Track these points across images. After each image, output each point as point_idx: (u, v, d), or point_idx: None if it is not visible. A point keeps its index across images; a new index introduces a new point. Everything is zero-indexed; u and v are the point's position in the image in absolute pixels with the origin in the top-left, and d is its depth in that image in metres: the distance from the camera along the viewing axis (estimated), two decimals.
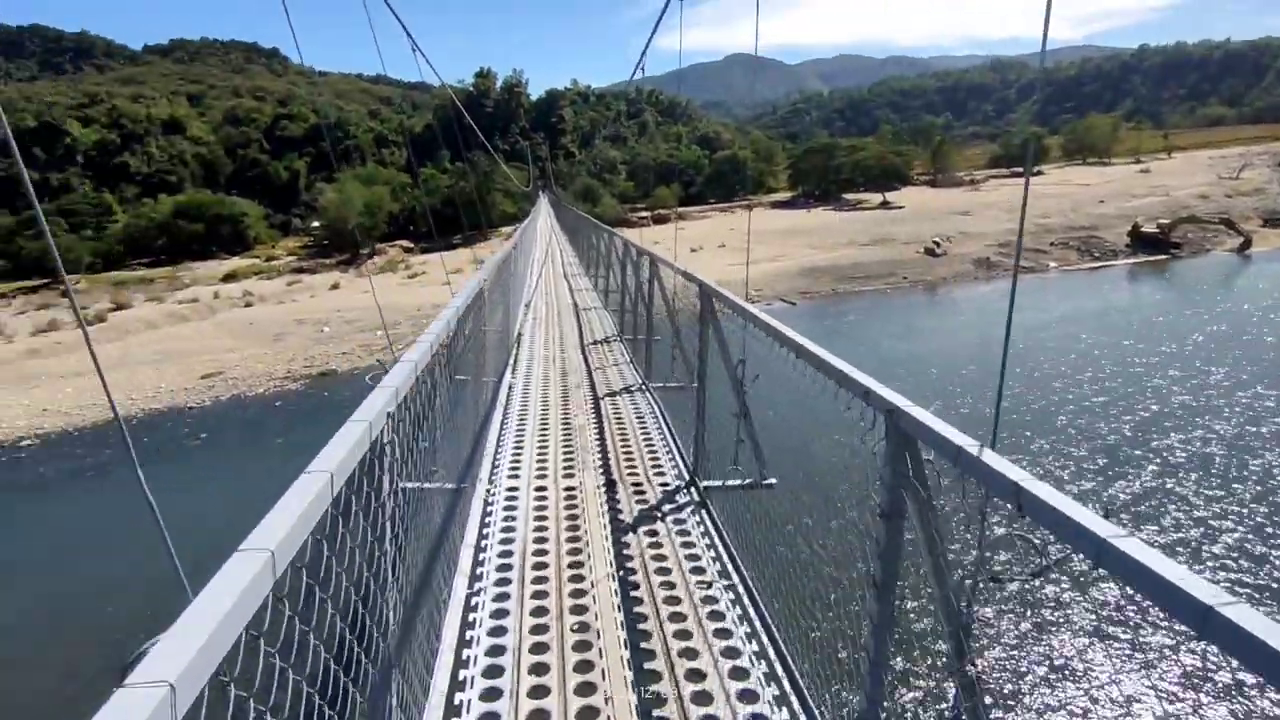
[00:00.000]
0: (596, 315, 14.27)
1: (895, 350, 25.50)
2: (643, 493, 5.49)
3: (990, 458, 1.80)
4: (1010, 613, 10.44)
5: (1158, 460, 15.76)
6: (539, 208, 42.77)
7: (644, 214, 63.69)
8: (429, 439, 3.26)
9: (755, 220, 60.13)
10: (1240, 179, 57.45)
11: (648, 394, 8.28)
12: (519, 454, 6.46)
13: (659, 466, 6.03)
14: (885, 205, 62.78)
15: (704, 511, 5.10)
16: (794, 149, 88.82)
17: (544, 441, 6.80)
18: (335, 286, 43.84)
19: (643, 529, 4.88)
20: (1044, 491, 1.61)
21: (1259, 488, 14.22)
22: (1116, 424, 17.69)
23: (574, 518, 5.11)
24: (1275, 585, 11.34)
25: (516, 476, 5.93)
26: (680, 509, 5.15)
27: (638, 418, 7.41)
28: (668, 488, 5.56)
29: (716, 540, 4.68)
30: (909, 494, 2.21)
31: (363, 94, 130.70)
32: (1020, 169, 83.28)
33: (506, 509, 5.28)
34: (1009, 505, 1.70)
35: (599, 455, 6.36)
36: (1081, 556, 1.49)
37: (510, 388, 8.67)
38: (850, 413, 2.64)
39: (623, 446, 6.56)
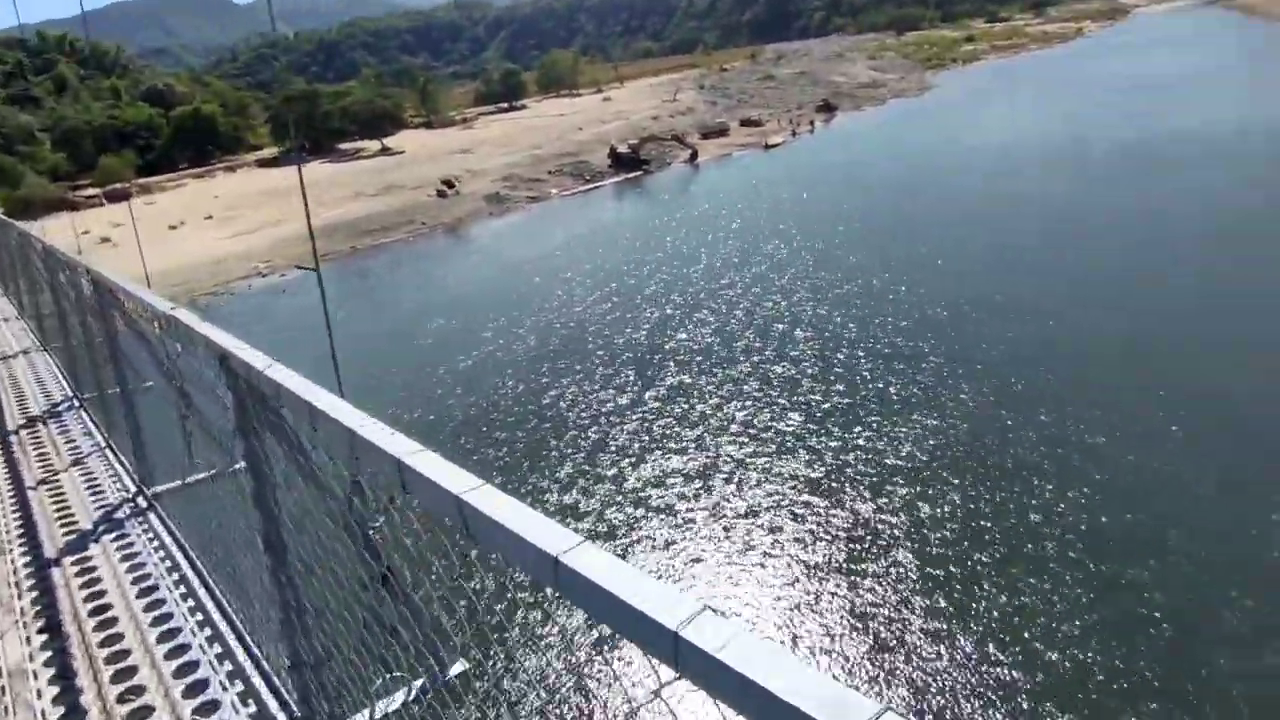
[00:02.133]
0: (8, 327, 10.95)
1: (426, 302, 24.54)
2: (71, 520, 4.71)
3: (327, 403, 1.70)
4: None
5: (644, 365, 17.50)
6: None
7: (91, 192, 51.37)
8: None
9: (245, 181, 52.96)
10: (677, 101, 68.34)
11: (81, 411, 6.92)
12: None
13: (96, 486, 5.22)
14: (386, 152, 60.50)
15: (153, 516, 4.59)
16: (270, 99, 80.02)
17: None
18: None
19: (70, 559, 4.22)
20: (376, 435, 1.47)
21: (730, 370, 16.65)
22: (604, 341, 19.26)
23: None
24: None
25: None
26: (123, 523, 4.59)
27: (67, 441, 6.21)
28: (107, 506, 4.87)
29: (174, 548, 4.20)
30: (255, 440, 2.17)
31: None
32: (505, 104, 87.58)
33: None
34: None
35: (13, 496, 5.23)
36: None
37: None
38: None
39: (47, 480, 5.46)
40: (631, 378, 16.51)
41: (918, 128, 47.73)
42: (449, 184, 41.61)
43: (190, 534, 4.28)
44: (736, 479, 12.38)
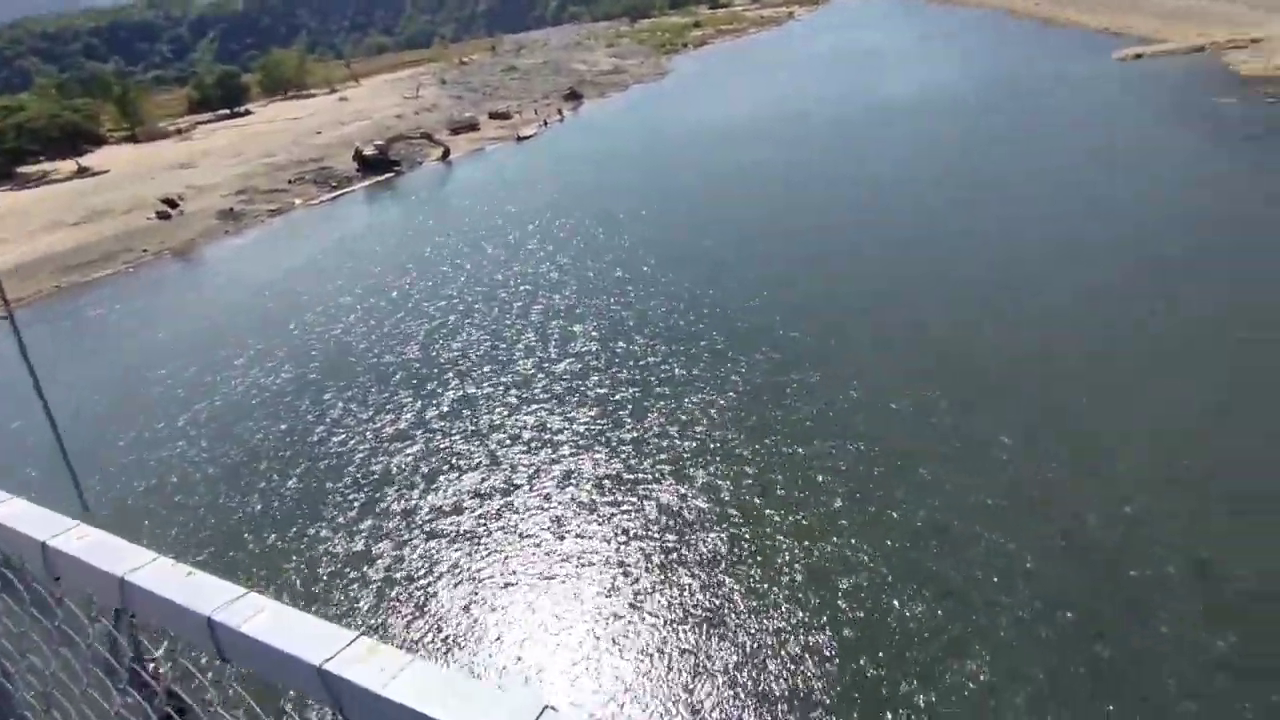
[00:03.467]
0: None
1: (157, 340, 21.71)
2: None
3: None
4: None
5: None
6: None
7: None
8: None
9: None
10: (420, 97, 65.85)
11: None
12: None
13: None
14: (83, 172, 52.44)
15: None
16: None
17: None
18: None
19: None
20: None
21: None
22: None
23: None
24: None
25: None
26: None
27: None
28: None
29: None
30: None
31: None
32: (226, 110, 79.42)
33: None
34: None
35: None
36: None
37: None
38: None
39: None
40: (408, 397, 15.70)
41: (662, 109, 49.94)
42: (171, 203, 36.95)
43: None
44: (536, 489, 12.23)
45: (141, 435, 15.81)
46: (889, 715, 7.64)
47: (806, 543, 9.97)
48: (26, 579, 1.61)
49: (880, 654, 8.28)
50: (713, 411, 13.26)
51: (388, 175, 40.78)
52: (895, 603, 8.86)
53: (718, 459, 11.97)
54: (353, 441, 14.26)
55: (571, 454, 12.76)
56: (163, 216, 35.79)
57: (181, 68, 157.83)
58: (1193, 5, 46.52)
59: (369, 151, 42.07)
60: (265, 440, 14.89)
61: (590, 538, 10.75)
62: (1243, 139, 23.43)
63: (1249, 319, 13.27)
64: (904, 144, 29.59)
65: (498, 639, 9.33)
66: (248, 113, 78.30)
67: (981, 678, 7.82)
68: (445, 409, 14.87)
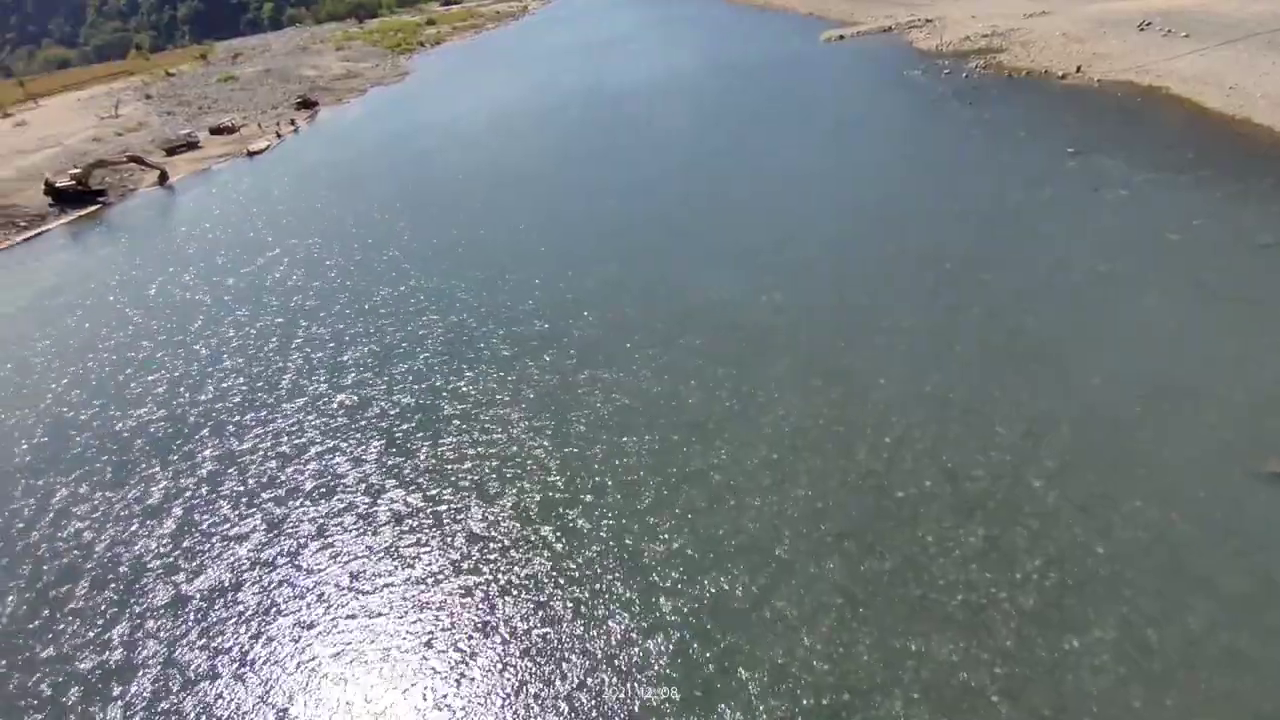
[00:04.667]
0: None
1: None
2: None
3: None
4: None
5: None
6: None
7: None
8: None
9: None
10: (121, 116, 58.07)
11: None
12: None
13: None
14: None
15: None
16: None
17: None
18: None
19: None
20: None
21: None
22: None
23: None
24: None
25: None
26: None
27: None
28: None
29: None
30: None
31: None
32: None
33: None
34: None
35: None
36: None
37: None
38: None
39: None
40: (152, 467, 13.96)
41: (407, 112, 48.07)
42: None
43: None
44: (326, 544, 11.41)
45: None
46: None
47: (625, 542, 10.20)
48: None
49: (696, 631, 8.69)
50: (509, 421, 13.10)
51: (92, 207, 35.62)
52: (710, 572, 9.34)
53: (519, 470, 11.86)
54: (87, 533, 12.37)
55: (363, 495, 12.01)
56: None
57: None
58: None
59: (63, 182, 36.46)
60: None
61: (396, 586, 10.23)
62: (927, 101, 27.23)
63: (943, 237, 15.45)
64: (650, 126, 31.05)
65: None
66: None
67: (795, 604, 8.48)
68: (204, 473, 13.32)
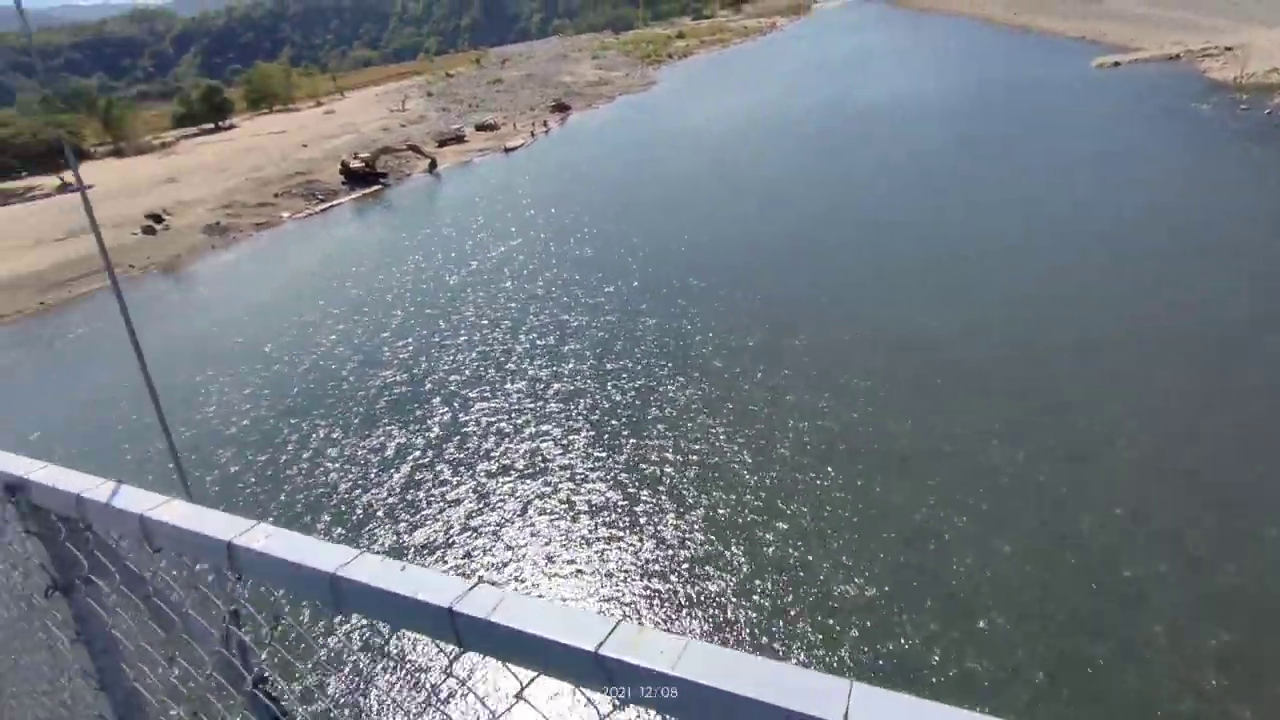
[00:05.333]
0: None
1: (151, 353, 21.43)
2: None
3: (122, 498, 1.49)
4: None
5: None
6: None
7: None
8: None
9: None
10: (407, 110, 65.80)
11: None
12: None
13: None
14: (66, 188, 52.05)
15: None
16: None
17: None
18: None
19: None
20: (168, 514, 1.35)
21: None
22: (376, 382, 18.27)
23: None
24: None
25: None
26: None
27: None
28: None
29: None
30: (75, 564, 1.78)
31: None
32: (211, 125, 79.16)
33: None
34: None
35: None
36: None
37: None
38: None
39: None
40: (393, 424, 15.58)
41: (650, 119, 50.07)
42: (157, 218, 36.70)
43: None
44: (532, 516, 12.15)
45: (120, 460, 15.61)
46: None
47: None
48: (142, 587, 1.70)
49: (883, 663, 8.24)
50: (712, 432, 13.23)
51: (375, 188, 40.67)
52: (898, 612, 8.83)
53: (716, 483, 11.93)
54: (337, 473, 14.10)
55: (566, 480, 12.68)
56: (148, 232, 35.53)
57: (165, 82, 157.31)
58: (1163, 14, 47.27)
59: (355, 164, 41.96)
60: (244, 470, 14.73)
61: (585, 575, 10.68)
62: (1223, 140, 23.80)
63: (1228, 302, 13.38)
64: (895, 148, 29.79)
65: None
66: (232, 127, 78.05)
67: (980, 672, 7.79)
68: (431, 435, 14.71)
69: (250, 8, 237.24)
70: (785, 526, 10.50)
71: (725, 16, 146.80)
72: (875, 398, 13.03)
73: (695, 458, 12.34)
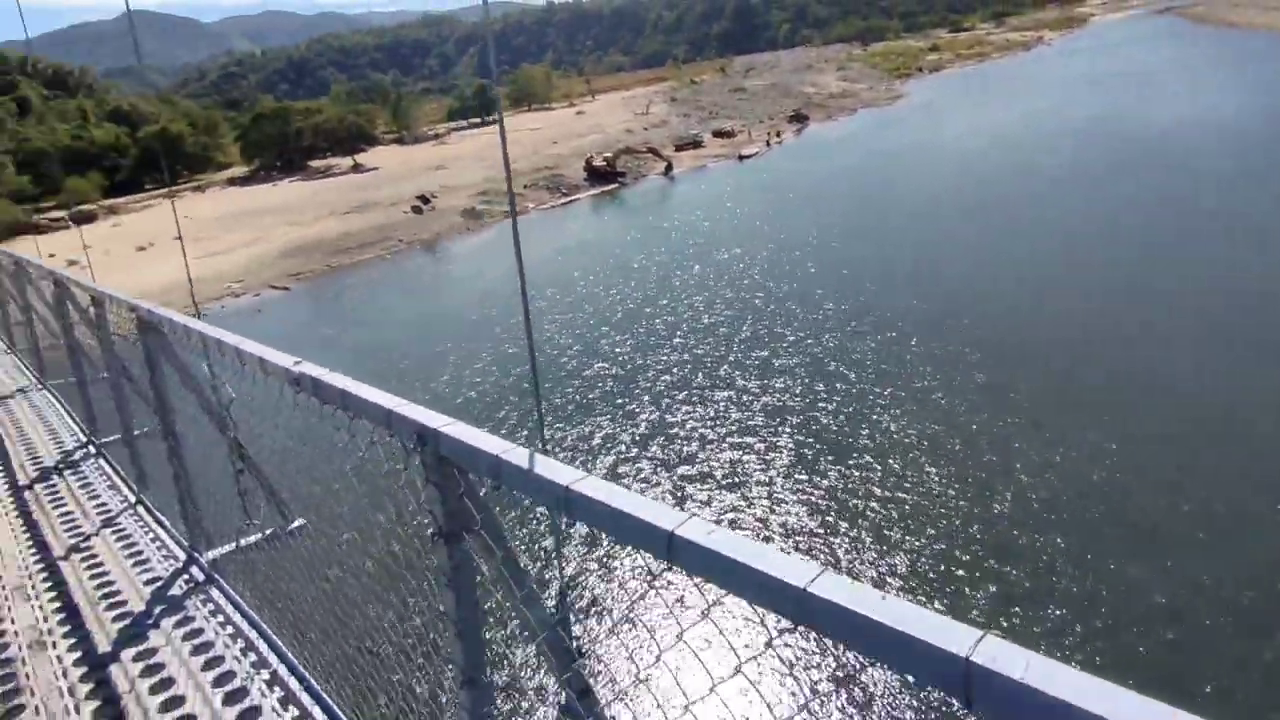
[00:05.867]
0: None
1: (405, 319, 24.31)
2: (121, 602, 4.00)
3: (542, 466, 1.56)
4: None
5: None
6: None
7: (56, 214, 50.42)
8: None
9: (214, 202, 52.23)
10: (650, 114, 68.66)
11: (100, 459, 6.05)
12: None
13: (140, 557, 4.46)
14: (358, 168, 60.09)
15: (214, 590, 4.02)
16: (239, 117, 79.17)
17: None
18: None
19: (130, 652, 3.54)
20: (601, 491, 1.42)
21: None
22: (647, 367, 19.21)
23: (9, 679, 3.46)
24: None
25: None
26: (181, 601, 3.95)
27: (92, 498, 5.38)
28: (158, 582, 4.16)
29: (239, 619, 3.73)
30: (462, 515, 1.93)
31: None
32: (478, 119, 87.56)
33: None
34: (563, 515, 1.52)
35: (42, 573, 4.40)
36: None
37: None
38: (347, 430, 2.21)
39: (78, 548, 4.65)
40: (601, 414, 16.39)
41: (891, 134, 48.33)
42: (424, 200, 41.40)
43: (255, 604, 3.85)
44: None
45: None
46: None
47: None
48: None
49: None
50: (926, 473, 12.67)
51: (612, 186, 42.93)
52: None
53: (926, 532, 11.40)
54: (581, 426, 15.12)
55: (764, 500, 12.72)
56: (416, 211, 40.16)
57: (445, 80, 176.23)
58: None
59: (598, 162, 44.56)
60: (509, 414, 16.23)
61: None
62: None
63: None
64: (1174, 179, 26.27)
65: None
66: (495, 122, 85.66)
67: None
68: (637, 431, 15.34)
69: (521, 14, 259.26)
70: (996, 591, 9.76)
71: (985, 29, 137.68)
72: (1122, 459, 11.73)
73: (904, 498, 11.74)
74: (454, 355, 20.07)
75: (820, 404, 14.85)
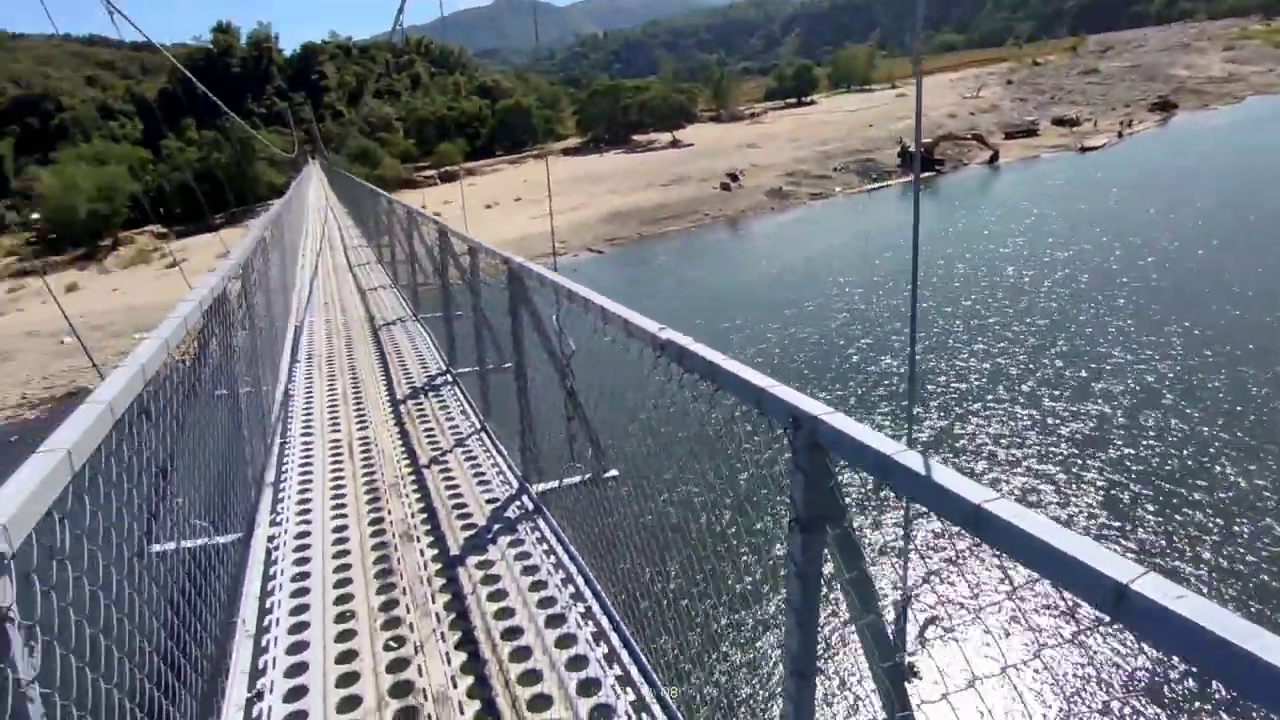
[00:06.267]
0: (386, 295, 12.44)
1: (703, 290, 25.48)
2: (468, 514, 4.56)
3: (941, 475, 1.48)
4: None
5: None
6: (307, 174, 38.27)
7: (429, 173, 59.94)
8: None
9: (551, 168, 58.47)
10: (980, 98, 63.57)
11: (455, 387, 7.07)
12: (308, 489, 5.08)
13: (483, 478, 5.06)
14: (675, 144, 63.37)
15: (540, 520, 4.40)
16: (578, 94, 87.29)
17: (338, 470, 5.38)
18: (73, 288, 37.27)
19: (472, 559, 4.04)
20: (1019, 517, 1.31)
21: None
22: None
23: (384, 560, 4.10)
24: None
25: (308, 517, 4.65)
26: (514, 524, 4.38)
27: (448, 419, 6.27)
28: (496, 502, 4.68)
29: (560, 551, 4.05)
30: (826, 506, 1.87)
31: (75, 58, 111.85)
32: (794, 99, 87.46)
33: (298, 562, 4.11)
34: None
35: (410, 476, 5.21)
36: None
37: (290, 391, 7.06)
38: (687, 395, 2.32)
39: (437, 459, 5.45)
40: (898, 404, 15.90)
41: None
42: (733, 177, 42.68)
43: (575, 540, 4.13)
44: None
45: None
46: None
47: None
48: None
49: None
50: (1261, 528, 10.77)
51: (929, 174, 40.72)
52: None
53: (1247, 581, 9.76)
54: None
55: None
56: (724, 188, 41.56)
57: (767, 59, 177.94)
58: None
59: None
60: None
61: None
62: None
63: None
64: None
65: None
66: (812, 103, 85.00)
67: None
68: (931, 429, 14.77)
69: None
70: None
71: None
72: None
73: (1245, 571, 10.14)
74: (740, 333, 20.73)
75: (1144, 441, 13.12)
